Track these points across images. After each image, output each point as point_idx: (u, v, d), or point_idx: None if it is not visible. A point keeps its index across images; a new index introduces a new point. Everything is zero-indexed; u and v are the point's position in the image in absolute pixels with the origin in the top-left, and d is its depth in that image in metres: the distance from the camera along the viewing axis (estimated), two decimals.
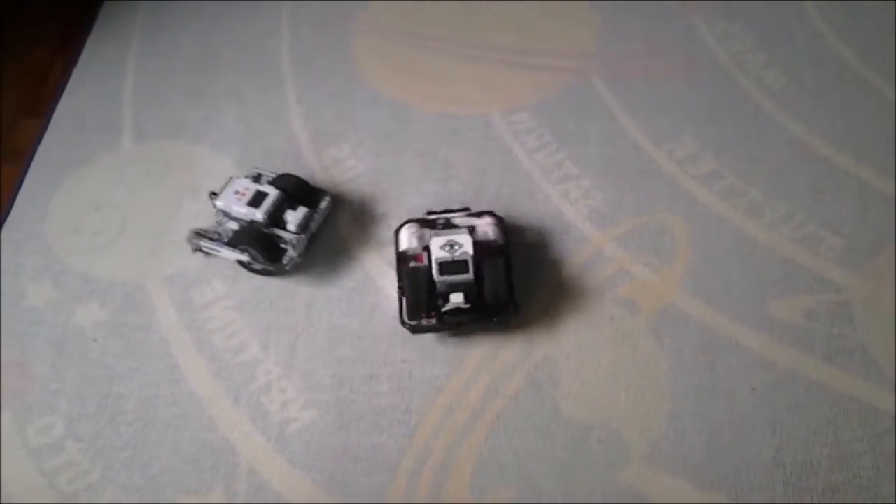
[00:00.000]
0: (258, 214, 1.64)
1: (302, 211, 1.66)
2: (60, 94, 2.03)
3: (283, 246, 1.64)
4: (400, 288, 1.59)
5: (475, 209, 1.70)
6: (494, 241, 1.61)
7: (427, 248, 1.57)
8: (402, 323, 1.55)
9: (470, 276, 1.52)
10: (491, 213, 1.66)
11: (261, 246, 1.62)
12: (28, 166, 1.88)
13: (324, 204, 1.71)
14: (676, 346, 1.54)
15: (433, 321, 1.53)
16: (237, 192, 1.67)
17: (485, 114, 1.93)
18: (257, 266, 1.64)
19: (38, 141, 1.93)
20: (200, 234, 1.68)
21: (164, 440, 1.48)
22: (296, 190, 1.70)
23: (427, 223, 1.65)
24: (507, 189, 1.78)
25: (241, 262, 1.65)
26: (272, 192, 1.66)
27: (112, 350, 1.59)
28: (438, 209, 1.69)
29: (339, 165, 1.84)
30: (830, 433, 1.42)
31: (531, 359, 1.53)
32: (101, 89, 2.04)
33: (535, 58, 2.05)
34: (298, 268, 1.66)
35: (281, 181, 1.71)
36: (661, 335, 1.55)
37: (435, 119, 1.93)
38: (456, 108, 1.95)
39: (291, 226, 1.65)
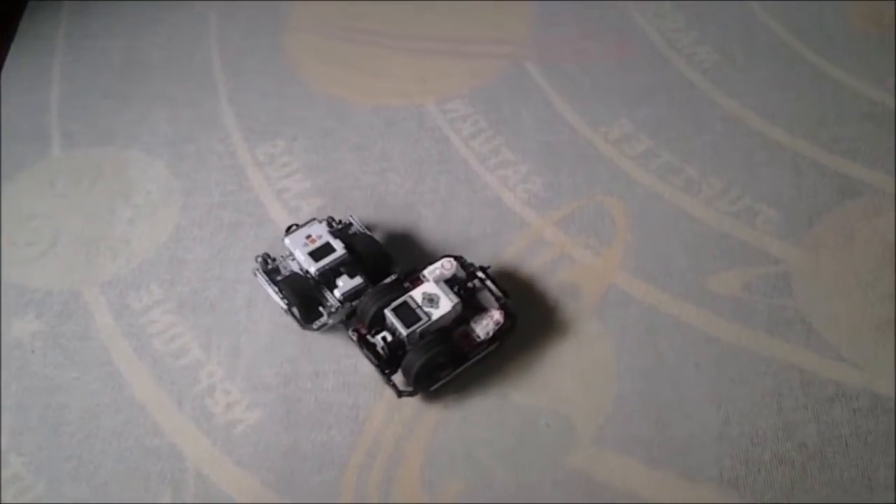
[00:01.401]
0: (312, 269, 1.54)
1: (356, 281, 1.54)
2: None
3: (321, 308, 1.54)
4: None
5: (414, 206, 1.73)
6: (477, 337, 1.49)
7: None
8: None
9: (405, 333, 1.45)
10: (507, 314, 1.51)
11: (300, 300, 1.53)
12: None
13: (388, 280, 1.55)
14: (620, 326, 1.54)
15: (354, 335, 1.50)
16: (308, 237, 1.57)
17: (420, 104, 1.93)
18: (292, 314, 1.57)
19: None
20: (266, 261, 1.60)
21: (109, 449, 1.46)
22: (366, 254, 1.57)
23: (466, 270, 1.57)
24: (444, 177, 1.77)
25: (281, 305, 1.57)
26: (339, 251, 1.55)
27: (51, 360, 1.57)
28: (488, 268, 1.58)
29: (274, 162, 1.83)
30: (775, 404, 1.43)
31: None
32: (26, 99, 2.00)
33: (468, 46, 2.05)
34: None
35: (356, 240, 1.59)
36: (604, 317, 1.55)
37: (370, 112, 1.92)
38: (391, 100, 1.94)
39: (338, 292, 1.54)
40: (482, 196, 1.74)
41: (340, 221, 1.65)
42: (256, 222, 1.72)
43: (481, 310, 1.53)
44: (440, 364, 1.45)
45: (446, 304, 1.48)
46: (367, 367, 1.51)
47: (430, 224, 1.69)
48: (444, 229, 1.69)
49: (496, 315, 1.51)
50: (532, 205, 1.72)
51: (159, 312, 1.61)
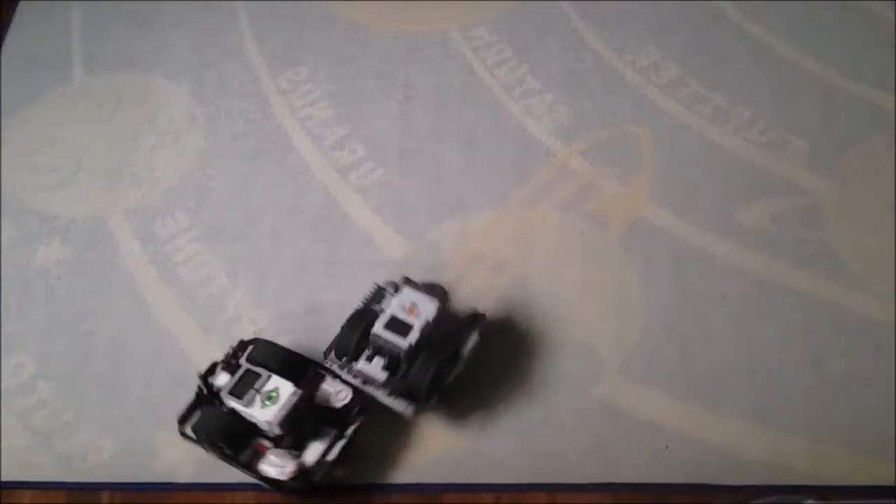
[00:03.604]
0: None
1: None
2: (6, 31, 1.98)
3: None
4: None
5: (439, 136, 1.71)
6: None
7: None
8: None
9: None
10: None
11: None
12: None
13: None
14: (646, 258, 1.53)
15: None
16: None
17: (443, 30, 1.90)
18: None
19: None
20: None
21: (137, 375, 1.47)
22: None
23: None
24: (469, 107, 1.76)
25: None
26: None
27: (78, 288, 1.57)
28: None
29: (297, 90, 1.81)
30: (801, 336, 1.43)
31: (502, 278, 1.53)
32: (47, 23, 1.99)
33: None
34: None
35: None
36: (630, 248, 1.55)
37: (393, 38, 1.89)
38: (413, 26, 1.92)
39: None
40: (507, 125, 1.72)
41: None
42: (281, 150, 1.71)
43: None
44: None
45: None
46: None
47: (454, 154, 1.68)
48: (468, 160, 1.67)
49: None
50: (558, 134, 1.70)
51: (185, 240, 1.61)
